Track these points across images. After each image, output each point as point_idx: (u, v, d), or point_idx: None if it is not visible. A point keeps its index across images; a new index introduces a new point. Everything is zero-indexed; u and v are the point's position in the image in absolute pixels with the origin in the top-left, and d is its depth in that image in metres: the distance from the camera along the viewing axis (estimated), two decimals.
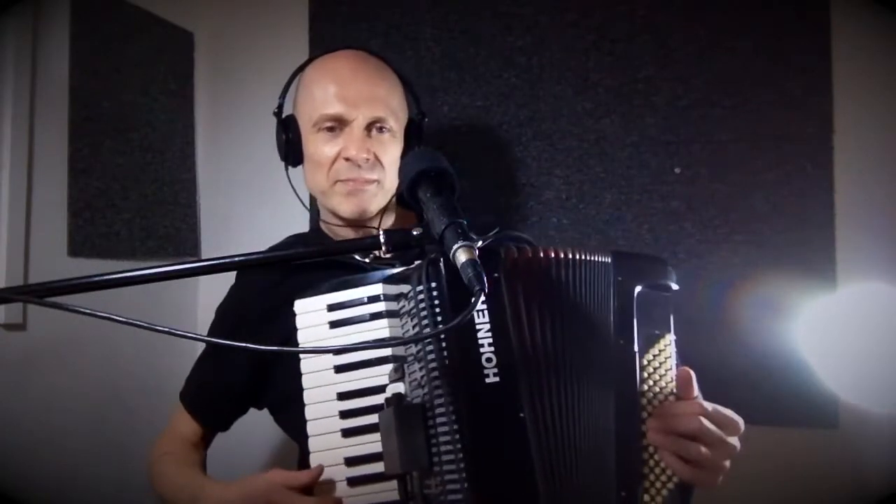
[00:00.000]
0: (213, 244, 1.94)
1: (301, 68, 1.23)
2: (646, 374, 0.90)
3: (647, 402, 0.90)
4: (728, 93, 1.49)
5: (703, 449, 0.86)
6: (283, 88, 1.25)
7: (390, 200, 1.20)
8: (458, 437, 0.82)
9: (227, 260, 0.94)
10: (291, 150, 1.20)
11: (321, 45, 1.80)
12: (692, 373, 0.90)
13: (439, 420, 0.83)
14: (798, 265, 1.43)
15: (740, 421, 0.90)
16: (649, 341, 0.91)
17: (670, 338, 0.93)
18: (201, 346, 1.33)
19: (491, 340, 0.84)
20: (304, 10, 1.83)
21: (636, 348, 0.90)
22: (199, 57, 1.94)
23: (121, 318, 0.75)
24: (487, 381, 0.83)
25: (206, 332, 1.26)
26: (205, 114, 1.95)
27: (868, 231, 1.40)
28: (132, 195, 1.73)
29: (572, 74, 1.60)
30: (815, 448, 1.40)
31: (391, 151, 1.17)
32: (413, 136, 1.22)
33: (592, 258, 0.92)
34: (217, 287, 1.27)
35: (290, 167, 1.24)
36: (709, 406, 0.88)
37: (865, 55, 1.41)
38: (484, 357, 0.84)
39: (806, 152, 1.44)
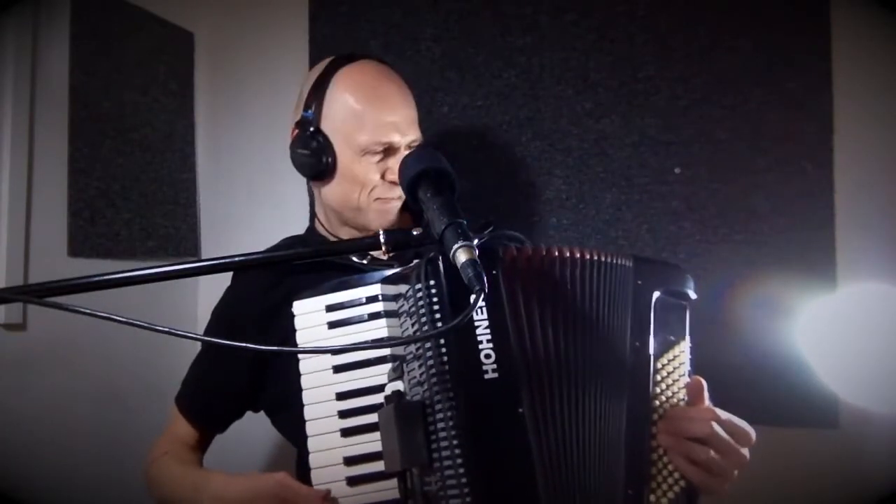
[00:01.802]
0: (213, 244, 1.94)
1: (324, 78, 1.16)
2: (659, 378, 0.91)
3: (660, 404, 0.90)
4: (728, 93, 1.49)
5: (713, 453, 0.86)
6: (306, 99, 1.17)
7: None
8: (457, 432, 0.82)
9: (227, 260, 0.94)
10: (327, 168, 1.15)
11: (321, 45, 1.81)
12: (704, 382, 0.91)
13: (438, 417, 0.83)
14: (798, 265, 1.43)
15: (752, 432, 0.90)
16: (664, 346, 0.92)
17: (685, 345, 0.94)
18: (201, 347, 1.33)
19: (489, 337, 0.85)
20: (304, 10, 1.83)
21: (651, 352, 0.91)
22: (199, 57, 1.94)
23: (121, 318, 0.74)
24: (486, 377, 0.84)
25: (203, 334, 1.26)
26: (205, 114, 1.95)
27: (868, 231, 1.40)
28: (132, 195, 1.73)
29: (572, 74, 1.60)
30: (815, 448, 1.40)
31: None
32: None
33: (608, 260, 0.93)
34: (217, 287, 1.27)
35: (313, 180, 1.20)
36: (722, 414, 0.89)
37: (865, 55, 1.41)
38: (483, 353, 0.84)
39: (806, 152, 1.44)
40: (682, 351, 0.93)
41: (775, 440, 1.37)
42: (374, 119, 1.13)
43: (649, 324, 0.92)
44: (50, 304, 0.81)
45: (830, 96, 1.43)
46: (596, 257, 0.92)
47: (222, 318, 1.23)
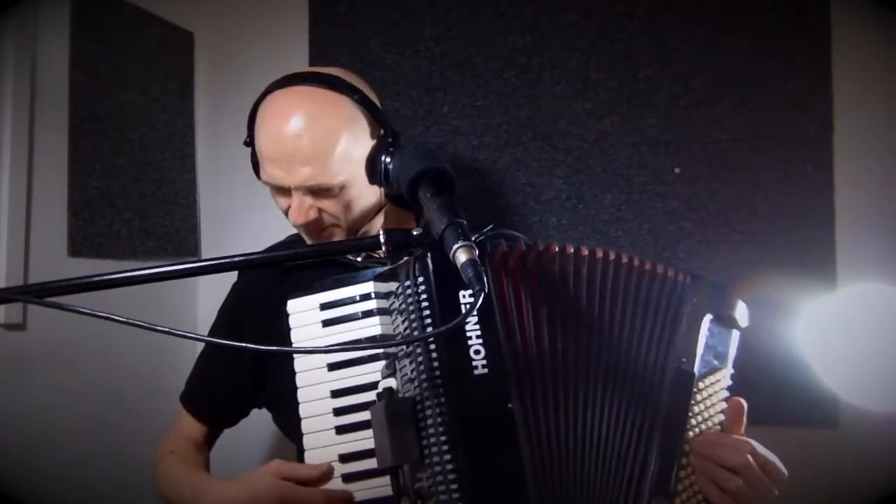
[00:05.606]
0: (213, 244, 1.94)
1: (256, 105, 1.17)
2: (699, 398, 0.92)
3: (696, 424, 0.91)
4: (728, 93, 1.49)
5: (742, 482, 0.86)
6: (247, 123, 1.19)
7: (370, 209, 1.16)
8: (446, 428, 0.82)
9: (227, 260, 0.94)
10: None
11: (321, 45, 1.81)
12: (745, 406, 0.91)
13: (429, 413, 0.84)
14: (798, 265, 1.43)
15: (785, 472, 0.90)
16: (708, 369, 0.93)
17: (727, 372, 0.94)
18: (201, 346, 1.33)
19: (479, 333, 0.85)
20: (304, 10, 1.83)
21: (696, 370, 0.92)
22: (199, 57, 1.94)
23: (121, 318, 0.74)
24: (476, 373, 0.84)
25: (207, 332, 1.26)
26: (205, 114, 1.95)
27: (868, 231, 1.40)
28: (132, 195, 1.73)
29: (572, 74, 1.60)
30: (815, 448, 1.40)
31: (341, 200, 1.09)
32: (387, 151, 1.07)
33: (650, 269, 0.94)
34: (217, 287, 1.27)
35: None
36: (759, 448, 0.90)
37: (865, 55, 1.41)
38: (472, 349, 0.84)
39: (806, 152, 1.44)
40: (724, 377, 0.94)
41: (775, 440, 1.37)
42: (264, 156, 1.10)
43: (696, 342, 0.93)
44: (50, 304, 0.80)
45: (830, 96, 1.43)
46: (637, 263, 0.93)
47: (226, 316, 1.24)
